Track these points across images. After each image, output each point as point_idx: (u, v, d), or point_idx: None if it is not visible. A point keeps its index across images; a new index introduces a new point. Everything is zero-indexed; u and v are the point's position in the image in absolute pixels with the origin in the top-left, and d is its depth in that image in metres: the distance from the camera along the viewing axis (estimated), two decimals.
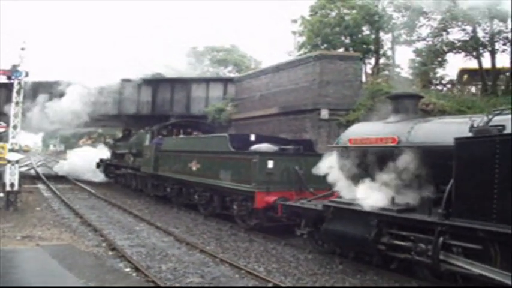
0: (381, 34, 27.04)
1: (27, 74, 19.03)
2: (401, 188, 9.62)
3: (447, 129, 9.13)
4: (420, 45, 24.59)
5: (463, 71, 24.97)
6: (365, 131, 11.18)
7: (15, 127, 18.59)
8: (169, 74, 32.63)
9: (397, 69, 27.38)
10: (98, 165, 34.79)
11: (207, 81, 31.58)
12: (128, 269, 10.33)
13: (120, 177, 30.03)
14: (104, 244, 12.79)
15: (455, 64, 23.48)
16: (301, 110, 20.58)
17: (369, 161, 10.41)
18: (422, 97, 11.21)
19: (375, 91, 19.33)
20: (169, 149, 21.09)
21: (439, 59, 23.28)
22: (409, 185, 9.50)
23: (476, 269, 7.68)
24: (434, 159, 8.98)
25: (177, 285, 9.19)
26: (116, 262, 10.93)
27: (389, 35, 26.68)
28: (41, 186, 29.43)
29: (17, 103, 18.83)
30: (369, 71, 26.89)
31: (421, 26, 23.67)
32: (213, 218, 16.90)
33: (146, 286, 9.04)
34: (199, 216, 17.57)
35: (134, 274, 9.94)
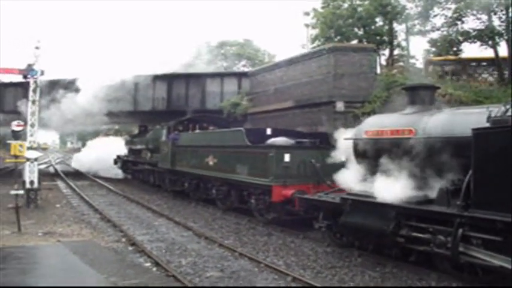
0: (395, 25, 26.84)
1: (42, 73, 19.18)
2: (419, 180, 9.50)
3: (465, 120, 8.98)
4: (435, 35, 24.39)
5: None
6: (381, 123, 11.08)
7: (32, 125, 18.78)
8: (184, 69, 32.71)
9: (412, 60, 27.22)
10: (116, 162, 34.90)
11: (221, 75, 31.66)
12: (148, 264, 10.44)
13: (138, 173, 30.16)
14: (123, 239, 12.93)
15: (471, 54, 23.20)
16: (316, 103, 20.53)
17: (386, 153, 10.23)
18: (438, 88, 11.09)
19: (390, 83, 19.23)
20: (186, 144, 21.21)
21: (454, 48, 23.04)
22: (427, 176, 9.37)
23: (496, 260, 7.61)
24: (452, 151, 8.82)
25: (197, 279, 9.27)
26: (136, 257, 11.06)
27: (403, 26, 26.48)
28: (60, 183, 29.75)
29: (33, 101, 19.01)
30: (383, 62, 26.74)
31: (435, 15, 23.45)
32: (231, 212, 16.96)
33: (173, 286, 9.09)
34: (217, 211, 17.66)
35: (154, 269, 10.04)
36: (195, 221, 15.87)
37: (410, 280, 9.21)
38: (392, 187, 9.73)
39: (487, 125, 8.08)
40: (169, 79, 31.06)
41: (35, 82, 19.04)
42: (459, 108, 10.19)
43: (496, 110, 8.40)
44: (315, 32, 29.68)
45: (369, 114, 15.41)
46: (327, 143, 14.40)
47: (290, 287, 8.93)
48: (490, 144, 7.79)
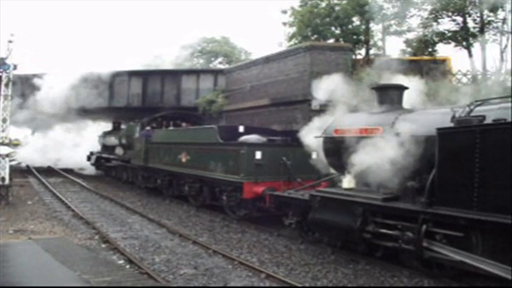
0: (371, 25, 27.02)
1: (15, 67, 18.84)
2: (385, 177, 9.71)
3: (430, 120, 9.29)
4: (411, 35, 24.61)
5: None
6: (350, 121, 11.36)
7: (4, 120, 18.45)
8: (160, 66, 32.58)
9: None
10: (89, 158, 34.67)
11: (197, 72, 31.55)
12: (121, 261, 10.39)
13: (111, 169, 30.12)
14: (96, 237, 12.83)
15: (445, 54, 23.49)
16: (292, 101, 20.59)
17: (354, 151, 10.40)
18: (407, 88, 11.31)
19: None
20: (159, 141, 21.36)
21: (430, 49, 23.30)
22: (394, 174, 9.57)
23: (458, 256, 7.88)
24: (417, 149, 9.09)
25: (171, 276, 9.24)
26: (109, 254, 10.99)
27: (380, 26, 26.68)
28: (32, 179, 29.32)
29: (5, 96, 18.67)
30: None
31: (411, 16, 23.68)
32: (205, 210, 16.94)
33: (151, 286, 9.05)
34: (191, 208, 17.62)
35: (127, 266, 10.00)
36: (169, 218, 15.82)
37: (383, 277, 9.32)
38: (360, 184, 10.42)
39: (451, 125, 8.44)
40: (145, 75, 30.86)
41: (8, 76, 18.69)
42: (426, 108, 10.49)
43: (461, 110, 8.77)
44: (292, 30, 29.72)
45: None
46: (298, 140, 14.56)
47: (264, 285, 8.94)
48: (453, 143, 8.11)
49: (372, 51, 28.00)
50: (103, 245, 11.89)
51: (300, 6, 28.32)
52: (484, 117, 8.13)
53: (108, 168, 30.98)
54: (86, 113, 30.97)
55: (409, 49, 25.16)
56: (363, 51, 27.57)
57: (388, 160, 9.52)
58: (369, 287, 8.94)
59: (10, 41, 18.60)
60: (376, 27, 27.24)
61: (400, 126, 9.78)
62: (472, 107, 8.76)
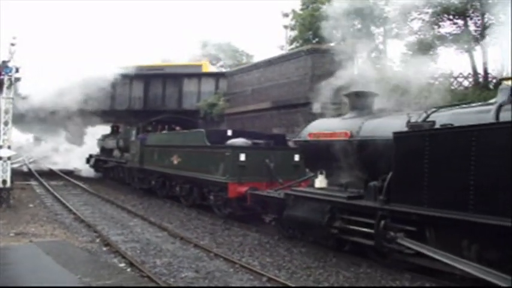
0: (372, 28, 27.00)
1: (17, 70, 18.84)
2: (352, 177, 11.04)
3: (390, 124, 10.06)
4: (412, 39, 24.57)
5: None
6: (323, 126, 12.41)
7: (6, 123, 18.45)
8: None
9: (389, 63, 27.37)
10: (88, 160, 35.54)
11: (199, 75, 31.55)
12: (122, 264, 10.36)
13: (109, 171, 30.89)
14: (97, 240, 12.80)
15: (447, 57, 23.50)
16: (293, 104, 20.63)
17: (325, 154, 11.56)
18: (377, 94, 12.13)
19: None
20: (153, 144, 22.37)
21: (431, 52, 23.27)
22: (359, 175, 10.84)
23: (414, 246, 8.60)
24: (378, 152, 9.96)
25: (172, 280, 9.23)
26: (110, 257, 10.95)
27: (381, 29, 26.66)
28: (33, 182, 29.31)
29: (8, 99, 18.67)
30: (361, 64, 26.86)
31: (412, 19, 23.65)
32: (207, 213, 16.98)
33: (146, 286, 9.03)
34: (192, 211, 17.62)
35: (129, 269, 9.96)
36: (170, 221, 15.80)
37: (384, 280, 9.30)
38: (329, 184, 11.65)
39: (406, 129, 9.25)
40: (146, 78, 30.89)
41: (10, 79, 18.70)
42: (390, 114, 11.27)
43: (417, 116, 9.58)
44: (294, 33, 29.75)
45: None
46: (283, 143, 15.83)
47: (265, 287, 8.94)
48: (406, 146, 8.94)
49: (373, 54, 27.95)
50: (104, 248, 11.85)
51: (301, 9, 28.37)
52: (434, 122, 8.91)
53: (106, 170, 31.71)
54: (88, 116, 31.06)
55: (410, 52, 25.16)
56: (364, 54, 27.52)
57: (354, 162, 10.83)
58: (366, 287, 8.97)
59: (12, 44, 18.63)
60: (377, 31, 27.20)
61: (365, 131, 10.81)
62: (428, 112, 9.55)
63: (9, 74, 18.60)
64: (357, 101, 12.07)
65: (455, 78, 20.85)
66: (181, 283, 9.06)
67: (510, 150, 6.85)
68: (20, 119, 29.15)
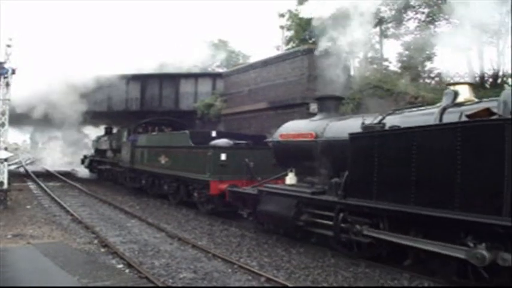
0: (369, 28, 27.01)
1: (13, 72, 18.76)
2: (318, 175, 12.10)
3: (348, 126, 11.08)
4: (408, 38, 24.65)
5: None
6: (293, 127, 13.52)
7: (2, 125, 18.40)
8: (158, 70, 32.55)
9: (386, 63, 27.45)
10: (83, 161, 36.96)
11: (196, 76, 31.48)
12: (120, 266, 10.35)
13: (103, 172, 31.83)
14: (95, 241, 12.77)
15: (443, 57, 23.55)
16: (290, 104, 20.61)
17: (294, 153, 12.90)
18: (343, 98, 14.18)
19: (363, 85, 19.37)
20: (143, 145, 23.50)
21: (427, 52, 23.32)
22: (324, 172, 11.85)
23: (376, 235, 9.62)
24: (339, 151, 10.91)
25: (170, 281, 9.23)
26: (108, 259, 10.95)
27: (377, 29, 26.71)
28: (30, 184, 29.26)
29: (4, 101, 18.61)
30: (357, 64, 26.90)
31: (408, 19, 23.73)
32: (205, 214, 17.06)
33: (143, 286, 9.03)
34: (190, 212, 17.67)
35: (127, 270, 9.96)
36: (168, 222, 15.81)
37: (383, 280, 9.32)
38: (297, 181, 12.78)
39: (360, 130, 10.19)
40: (143, 79, 30.85)
41: (6, 81, 18.62)
42: (352, 116, 12.74)
43: (372, 118, 10.68)
44: (290, 33, 29.76)
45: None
46: (264, 144, 16.22)
47: (264, 287, 8.95)
48: (359, 146, 9.93)
49: (369, 54, 28.01)
50: (102, 249, 11.85)
51: (297, 9, 28.34)
52: (384, 124, 9.99)
53: (100, 170, 32.64)
54: (87, 117, 31.06)
55: (406, 52, 25.23)
56: (360, 55, 27.55)
57: (319, 160, 11.94)
58: (364, 287, 8.99)
59: (8, 45, 18.57)
60: (373, 30, 27.25)
61: (328, 132, 11.88)
62: (384, 115, 10.64)
63: (5, 75, 18.55)
64: (324, 105, 13.37)
65: (452, 77, 20.90)
66: (180, 284, 9.07)
67: (446, 149, 7.88)
68: (17, 121, 29.15)
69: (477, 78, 20.01)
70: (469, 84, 10.23)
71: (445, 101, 9.58)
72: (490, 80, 20.19)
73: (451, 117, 9.00)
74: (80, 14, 30.38)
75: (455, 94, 9.58)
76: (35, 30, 26.38)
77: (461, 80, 20.36)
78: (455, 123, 8.29)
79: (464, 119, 8.52)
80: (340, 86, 19.34)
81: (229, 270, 10.01)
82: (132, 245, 12.33)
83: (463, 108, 9.09)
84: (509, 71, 19.56)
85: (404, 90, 17.93)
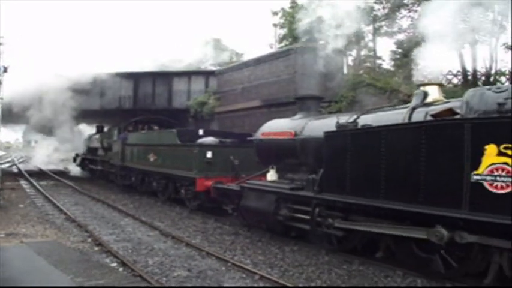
0: (362, 26, 27.08)
1: (6, 70, 18.67)
2: (296, 171, 12.62)
3: (325, 125, 11.41)
4: (401, 36, 24.72)
5: None
6: (274, 126, 14.00)
7: None
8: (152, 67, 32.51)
9: (379, 61, 27.54)
10: (75, 159, 37.09)
11: (189, 74, 31.39)
12: (114, 264, 10.33)
13: (94, 169, 31.90)
14: (89, 240, 12.74)
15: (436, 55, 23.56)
16: (283, 102, 20.61)
17: (275, 151, 13.41)
18: (322, 98, 14.77)
19: (356, 83, 19.42)
20: (133, 143, 23.87)
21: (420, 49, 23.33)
22: (303, 169, 12.31)
23: (348, 226, 10.20)
24: (316, 149, 11.31)
25: (164, 279, 9.23)
26: (101, 257, 10.92)
27: (371, 27, 26.78)
28: (23, 183, 29.12)
29: None
30: (350, 63, 26.97)
31: (401, 17, 23.80)
32: (198, 212, 17.09)
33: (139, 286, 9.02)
34: (184, 210, 17.67)
35: (121, 269, 9.93)
36: (161, 220, 15.80)
37: (376, 277, 9.34)
38: (276, 177, 13.30)
39: (335, 129, 10.52)
40: (136, 77, 30.77)
41: None
42: (329, 115, 13.26)
43: (347, 117, 11.08)
44: (283, 31, 29.78)
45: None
46: (249, 142, 16.40)
47: (258, 286, 8.95)
48: (333, 144, 10.37)
49: (362, 52, 28.09)
50: (96, 248, 11.82)
51: (291, 7, 28.39)
52: (357, 123, 10.39)
53: (92, 168, 32.68)
54: (79, 115, 31.06)
55: (399, 50, 25.29)
56: (353, 53, 27.63)
57: (298, 158, 12.43)
58: (362, 287, 8.99)
59: (0, 44, 18.49)
60: (366, 28, 27.32)
61: (306, 131, 12.32)
62: (359, 114, 11.05)
63: None
64: (304, 104, 13.76)
65: (445, 75, 20.97)
66: (174, 282, 9.06)
67: (412, 146, 8.32)
68: (9, 119, 28.99)
69: (470, 77, 20.11)
70: (439, 84, 10.64)
71: (414, 101, 10.08)
72: (483, 78, 20.28)
73: (419, 116, 9.54)
74: (74, 12, 30.33)
75: (425, 94, 10.06)
76: (28, 28, 26.37)
77: (454, 79, 20.73)
78: (421, 123, 8.83)
79: (429, 118, 9.02)
80: (335, 84, 19.52)
81: (223, 268, 10.01)
82: (125, 243, 12.31)
83: (430, 108, 9.54)
84: (502, 69, 19.67)
85: (398, 88, 17.98)
